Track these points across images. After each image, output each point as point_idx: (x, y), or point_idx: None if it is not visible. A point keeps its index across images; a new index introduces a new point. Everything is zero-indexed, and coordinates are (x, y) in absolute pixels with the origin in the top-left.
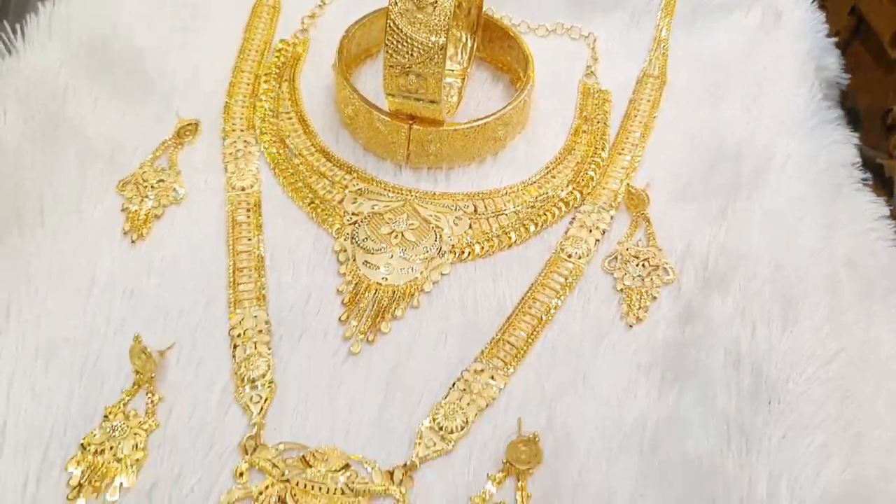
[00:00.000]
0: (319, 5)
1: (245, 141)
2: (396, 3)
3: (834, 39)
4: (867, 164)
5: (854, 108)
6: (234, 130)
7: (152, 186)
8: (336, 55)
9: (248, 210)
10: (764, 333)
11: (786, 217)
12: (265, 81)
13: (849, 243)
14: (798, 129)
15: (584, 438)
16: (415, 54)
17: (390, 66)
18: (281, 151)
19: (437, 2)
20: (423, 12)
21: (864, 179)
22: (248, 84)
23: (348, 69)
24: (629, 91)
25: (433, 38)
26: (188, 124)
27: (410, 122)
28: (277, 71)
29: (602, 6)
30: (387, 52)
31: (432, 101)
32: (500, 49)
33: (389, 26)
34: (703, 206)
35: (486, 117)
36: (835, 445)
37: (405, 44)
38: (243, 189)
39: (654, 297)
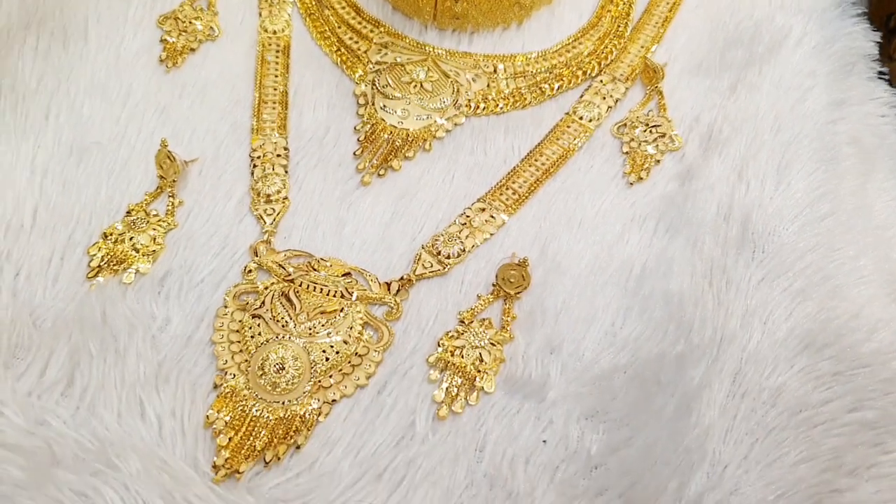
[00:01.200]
0: None
1: (291, 1)
2: None
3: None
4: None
5: (866, 13)
6: None
7: (190, 22)
8: None
9: (278, 51)
10: (757, 190)
11: (793, 89)
12: None
13: (855, 121)
14: (819, 15)
15: (572, 272)
16: None
17: None
18: (313, 2)
19: None
20: None
21: (882, 72)
22: None
23: None
24: None
25: None
26: None
27: None
28: None
29: None
30: None
31: None
32: None
33: None
34: (715, 81)
35: None
36: (812, 291)
37: None
38: (275, 32)
39: (658, 161)
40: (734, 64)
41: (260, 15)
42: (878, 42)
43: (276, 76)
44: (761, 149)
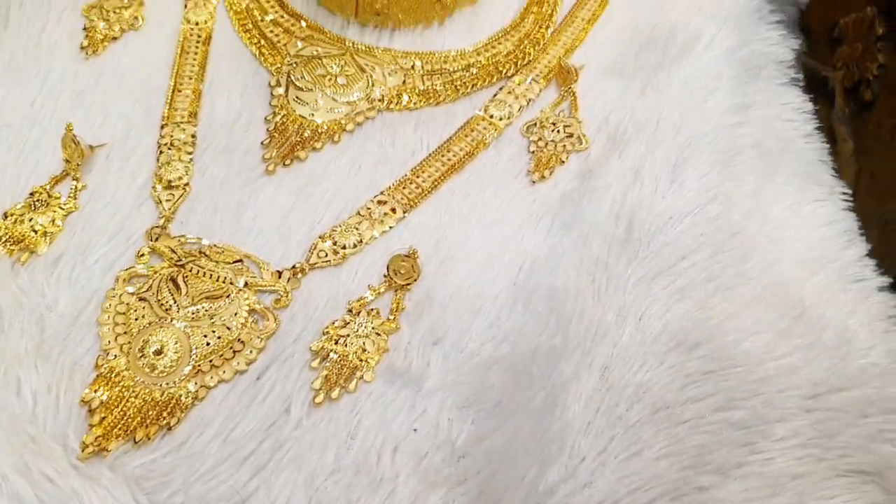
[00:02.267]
0: None
1: None
2: None
3: None
4: (813, 77)
5: (805, 26)
6: None
7: (115, 12)
8: None
9: (199, 42)
10: (649, 189)
11: (698, 90)
12: None
13: (759, 125)
14: (731, 21)
15: (465, 265)
16: None
17: None
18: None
19: None
20: None
21: (795, 79)
22: None
23: None
24: None
25: None
26: None
27: None
28: None
29: None
30: None
31: None
32: None
33: None
34: (628, 82)
35: None
36: (692, 291)
37: None
38: (197, 24)
39: (563, 161)
40: (647, 66)
41: (185, 6)
42: (794, 49)
43: (194, 66)
44: (658, 148)
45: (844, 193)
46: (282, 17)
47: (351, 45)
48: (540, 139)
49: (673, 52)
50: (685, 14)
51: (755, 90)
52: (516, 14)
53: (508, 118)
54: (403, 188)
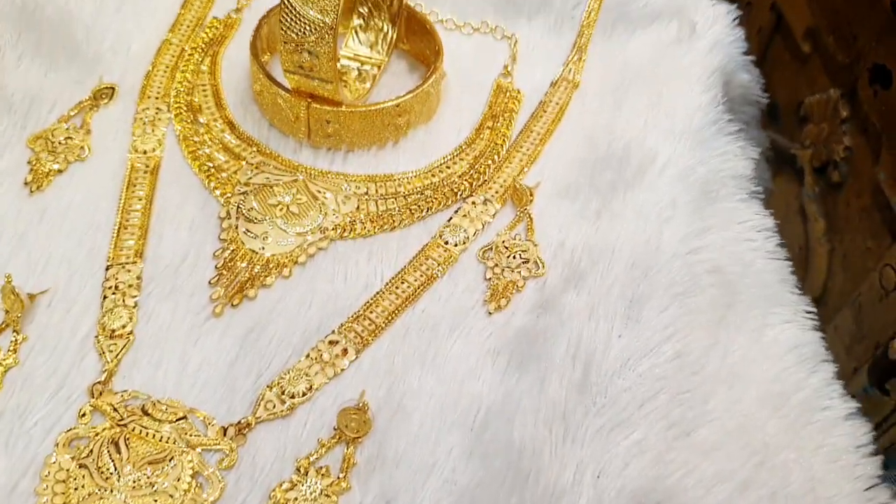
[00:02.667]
0: None
1: (157, 108)
2: None
3: (752, 58)
4: (782, 155)
5: (773, 102)
6: (149, 97)
7: (60, 143)
8: (253, 32)
9: (146, 172)
10: (605, 329)
11: (652, 218)
12: (189, 55)
13: (717, 249)
14: (688, 137)
15: (418, 413)
16: (306, 32)
17: (285, 42)
18: (189, 121)
19: None
20: None
21: (755, 192)
22: (173, 56)
23: (268, 49)
24: (542, 93)
25: (323, 18)
26: (105, 87)
27: (309, 100)
28: (204, 46)
29: (528, 10)
30: (281, 28)
31: (327, 81)
32: (421, 41)
33: (283, 2)
34: (584, 205)
35: (383, 102)
36: (651, 442)
37: (298, 21)
38: (145, 152)
39: (520, 288)
40: (602, 187)
41: (133, 133)
42: (754, 158)
43: (141, 199)
44: (614, 283)
45: (809, 312)
46: (231, 140)
47: (304, 170)
48: (496, 265)
49: (628, 173)
50: (641, 129)
51: (712, 213)
52: (471, 130)
53: (464, 243)
54: (356, 325)
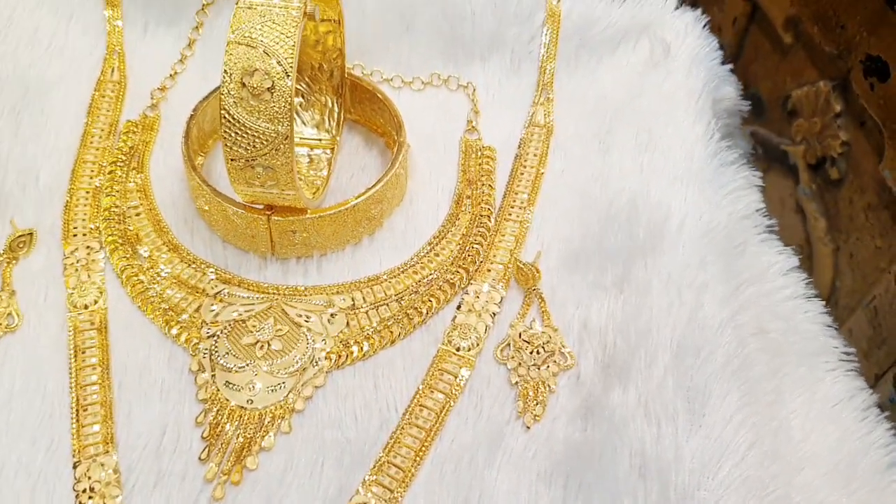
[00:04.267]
0: (170, 75)
1: (88, 247)
2: (229, 91)
3: (730, 66)
4: (771, 151)
5: (756, 94)
6: (74, 236)
7: None
8: (182, 140)
9: (93, 331)
10: (670, 432)
11: (685, 287)
12: (111, 172)
13: (755, 308)
14: (694, 179)
15: None
16: (258, 146)
17: (232, 160)
18: (128, 255)
19: (273, 86)
20: (260, 99)
21: (769, 227)
22: (91, 177)
23: (201, 150)
24: (514, 144)
25: (276, 127)
26: (21, 235)
27: (268, 212)
28: (125, 158)
29: (479, 51)
30: (225, 145)
31: (287, 191)
32: (371, 109)
33: (224, 117)
34: (598, 274)
35: (355, 199)
36: None
37: (245, 135)
38: (86, 307)
39: (552, 390)
40: (615, 253)
41: (67, 286)
42: (759, 186)
43: (95, 367)
44: (666, 375)
45: (846, 353)
46: (184, 272)
47: (275, 291)
48: (519, 364)
49: (641, 234)
50: (640, 178)
51: (742, 266)
52: (450, 203)
53: (477, 345)
54: (381, 476)
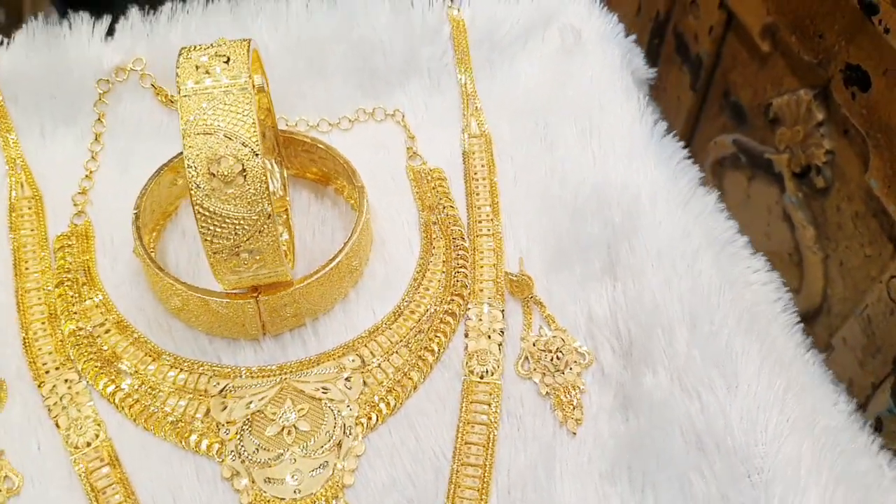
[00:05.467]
0: (86, 176)
1: (66, 380)
2: (198, 185)
3: (633, 36)
4: (755, 159)
5: (737, 102)
6: (47, 373)
7: None
8: (135, 241)
9: (107, 467)
10: (712, 400)
11: (678, 259)
12: (60, 295)
13: (740, 264)
14: (646, 155)
15: None
16: (240, 232)
17: (215, 253)
18: (113, 377)
19: (244, 169)
20: (234, 185)
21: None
22: (40, 304)
23: (154, 248)
24: (457, 161)
25: (256, 209)
26: None
27: (255, 294)
28: (69, 275)
29: (396, 77)
30: (205, 239)
31: (274, 269)
32: (309, 160)
33: (199, 212)
34: (584, 267)
35: (337, 255)
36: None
37: (224, 225)
38: (88, 444)
39: (582, 390)
40: (596, 242)
41: (59, 427)
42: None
43: None
44: (690, 349)
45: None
46: (177, 378)
47: (280, 371)
48: (544, 375)
49: (617, 217)
50: (593, 165)
51: (718, 229)
52: (419, 235)
53: (497, 367)
54: None
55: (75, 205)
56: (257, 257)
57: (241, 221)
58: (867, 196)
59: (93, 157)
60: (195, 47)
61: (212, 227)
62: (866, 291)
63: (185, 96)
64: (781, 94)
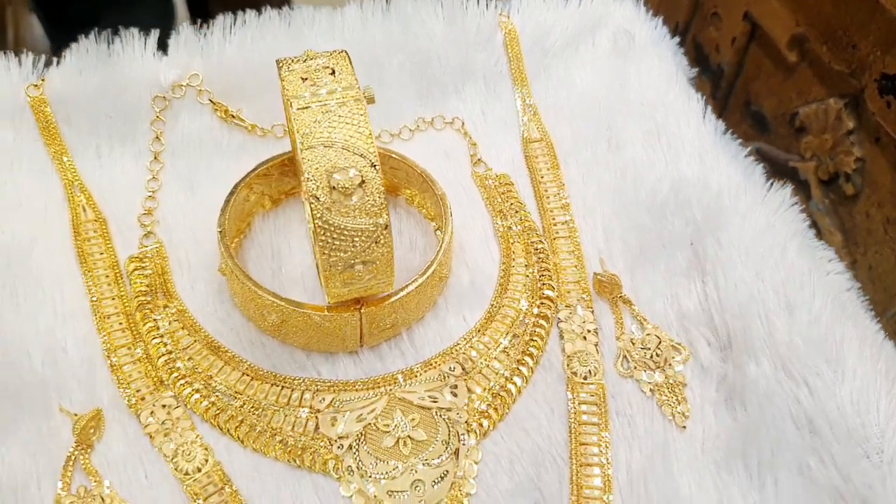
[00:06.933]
0: (150, 196)
1: (164, 406)
2: (317, 198)
3: (677, 39)
4: (780, 168)
5: (759, 112)
6: (143, 399)
7: None
8: (223, 258)
9: (220, 493)
10: (819, 385)
11: (766, 252)
12: (142, 319)
13: (819, 250)
14: (716, 153)
15: None
16: (357, 244)
17: (331, 267)
18: (214, 398)
19: (364, 181)
20: (355, 197)
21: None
22: (122, 331)
23: (243, 263)
24: (521, 164)
25: (375, 220)
26: (87, 420)
27: (358, 305)
28: (147, 300)
29: (452, 84)
30: (323, 253)
31: (384, 280)
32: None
33: (319, 225)
34: (669, 263)
35: (432, 263)
36: None
37: (343, 237)
38: (199, 470)
39: (684, 384)
40: (678, 240)
41: (163, 454)
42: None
43: None
44: (792, 337)
45: None
46: (282, 396)
47: (385, 383)
48: (644, 371)
49: (697, 213)
50: (665, 164)
51: (795, 219)
52: (495, 238)
53: (598, 368)
54: None
55: (143, 226)
56: (370, 268)
57: (360, 233)
58: None
59: (154, 177)
60: (293, 59)
61: (330, 240)
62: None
63: (299, 109)
64: (808, 104)
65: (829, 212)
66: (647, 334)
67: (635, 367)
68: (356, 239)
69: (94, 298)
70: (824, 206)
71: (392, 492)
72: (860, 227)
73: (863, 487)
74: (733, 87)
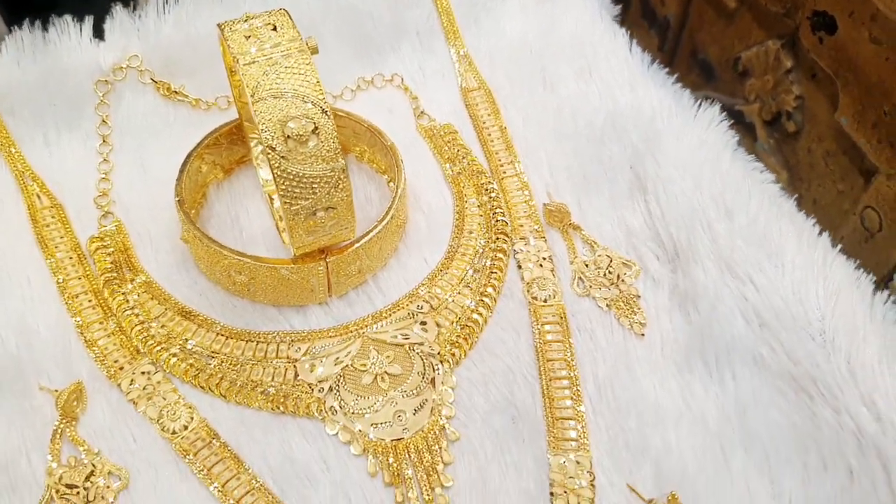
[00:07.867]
0: (103, 178)
1: (143, 372)
2: (274, 148)
3: None
4: (727, 112)
5: (705, 60)
6: (121, 369)
7: (84, 489)
8: (185, 225)
9: (210, 445)
10: (763, 281)
11: (704, 163)
12: (111, 294)
13: (745, 156)
14: (645, 81)
15: (694, 461)
16: (317, 190)
17: (294, 216)
18: (192, 360)
19: (317, 128)
20: (310, 143)
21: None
22: (93, 308)
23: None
24: (463, 113)
25: (332, 165)
26: (69, 393)
27: (323, 255)
28: (113, 276)
29: (388, 43)
30: (285, 202)
31: (346, 226)
32: None
33: (278, 175)
34: (611, 187)
35: (390, 208)
36: None
37: (303, 185)
38: (186, 428)
39: (638, 296)
40: (619, 163)
41: (148, 416)
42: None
43: (239, 477)
44: (732, 237)
45: None
46: (258, 350)
47: (357, 328)
48: (599, 288)
49: (634, 138)
50: (598, 97)
51: (726, 132)
52: (447, 185)
53: (556, 291)
54: (559, 436)
55: (99, 206)
56: (332, 214)
57: (318, 179)
58: (837, 134)
59: (105, 159)
60: (232, 22)
61: (291, 189)
62: (841, 225)
63: (246, 65)
64: (749, 48)
65: (773, 151)
66: (599, 255)
67: (591, 287)
68: (315, 185)
69: (60, 280)
70: (769, 146)
71: (376, 423)
72: (803, 163)
73: (811, 367)
74: (679, 38)
